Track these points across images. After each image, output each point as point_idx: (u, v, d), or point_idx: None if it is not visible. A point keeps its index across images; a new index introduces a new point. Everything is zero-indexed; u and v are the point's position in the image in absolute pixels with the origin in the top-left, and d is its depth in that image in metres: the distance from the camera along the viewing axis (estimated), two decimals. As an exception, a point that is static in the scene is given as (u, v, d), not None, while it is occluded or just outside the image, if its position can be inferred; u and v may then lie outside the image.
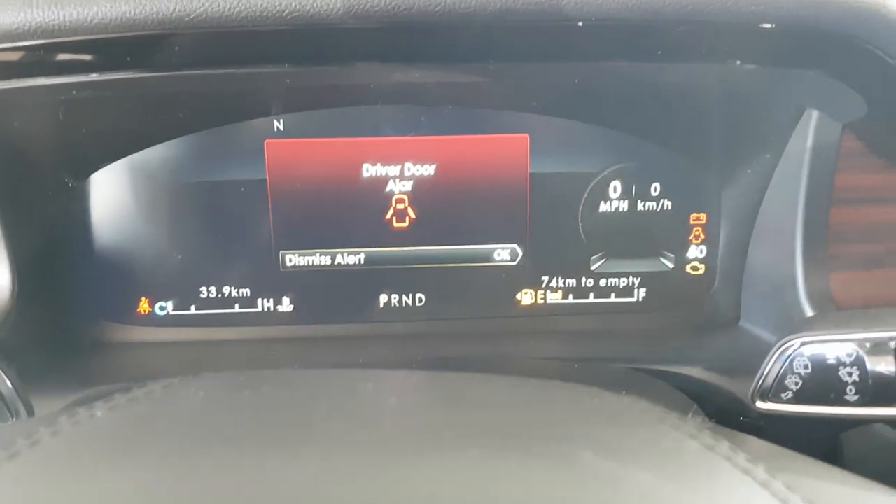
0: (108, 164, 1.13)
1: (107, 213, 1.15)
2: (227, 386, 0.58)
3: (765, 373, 0.80)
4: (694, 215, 1.21)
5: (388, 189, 1.17)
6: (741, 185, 1.16)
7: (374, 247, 1.19)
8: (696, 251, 1.22)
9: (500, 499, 0.41)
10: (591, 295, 1.23)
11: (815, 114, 1.00)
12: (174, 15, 0.74)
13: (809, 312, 1.04)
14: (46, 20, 0.75)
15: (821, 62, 0.87)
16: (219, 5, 0.74)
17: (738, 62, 0.84)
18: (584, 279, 1.22)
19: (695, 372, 1.01)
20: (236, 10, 0.75)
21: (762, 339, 1.14)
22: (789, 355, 0.78)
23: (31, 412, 0.84)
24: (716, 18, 0.78)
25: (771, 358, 0.80)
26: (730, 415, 0.93)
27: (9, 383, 0.83)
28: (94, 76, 0.82)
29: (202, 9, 0.74)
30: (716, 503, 0.43)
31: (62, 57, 0.80)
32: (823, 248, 1.05)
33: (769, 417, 0.82)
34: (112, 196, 1.15)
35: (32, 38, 0.76)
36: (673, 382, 1.01)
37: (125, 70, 0.82)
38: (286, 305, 1.20)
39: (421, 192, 1.17)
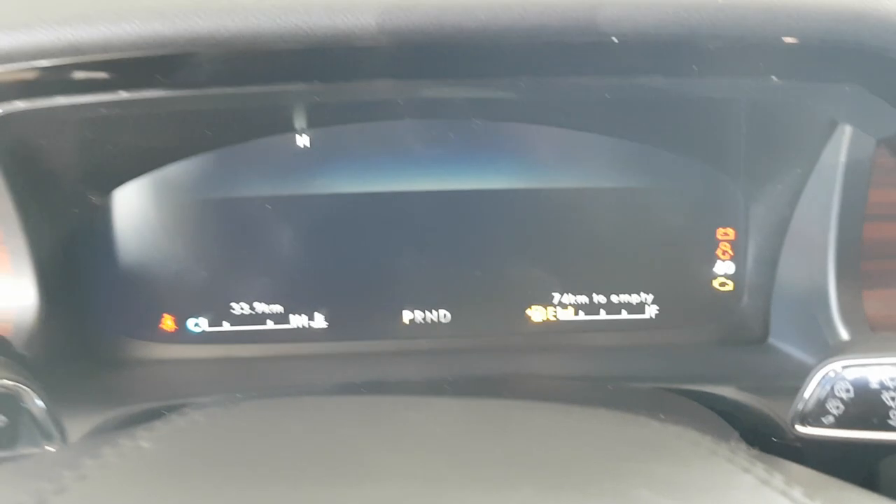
0: (131, 180, 1.13)
1: (130, 230, 1.15)
2: (272, 414, 0.57)
3: (805, 397, 0.78)
4: (721, 230, 1.19)
5: (413, 208, 1.16)
6: (770, 200, 1.14)
7: (400, 261, 1.18)
8: (723, 267, 1.21)
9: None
10: (603, 312, 1.22)
11: (848, 128, 0.99)
12: (207, 33, 0.73)
13: (842, 330, 1.02)
14: (77, 38, 0.74)
15: (856, 76, 0.86)
16: (252, 23, 0.74)
17: (774, 77, 0.83)
18: (594, 296, 1.21)
19: (727, 392, 0.99)
20: (269, 28, 0.74)
21: (793, 357, 1.12)
22: (831, 379, 0.76)
23: (62, 433, 0.83)
24: (752, 34, 0.76)
25: (811, 381, 0.79)
26: (765, 437, 0.91)
27: (40, 402, 0.82)
28: (123, 94, 0.81)
29: (235, 27, 0.73)
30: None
31: (92, 75, 0.79)
32: (856, 264, 1.03)
33: (808, 441, 0.80)
34: (136, 212, 1.14)
35: (62, 56, 0.75)
36: (704, 402, 1.00)
37: (154, 88, 0.81)
38: (320, 322, 1.19)
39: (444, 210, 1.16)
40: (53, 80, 0.80)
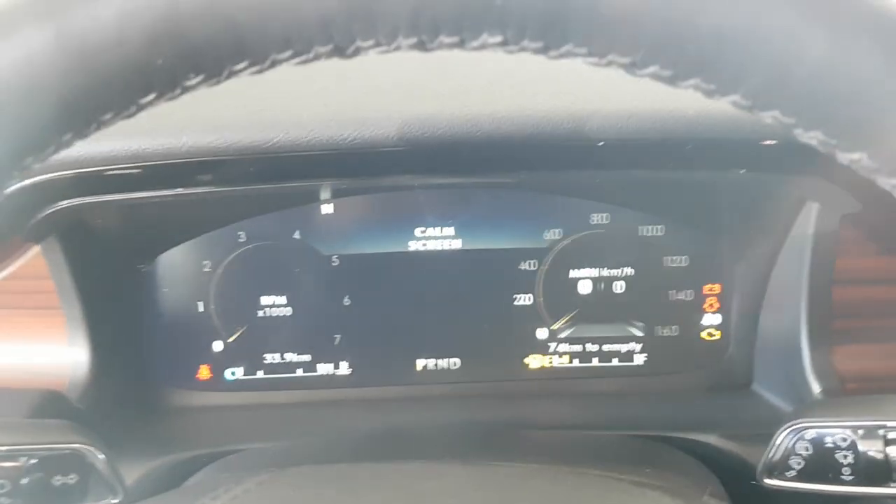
0: (171, 248, 1.26)
1: (170, 291, 1.27)
2: (316, 482, 0.69)
3: (773, 450, 0.90)
4: (708, 286, 1.31)
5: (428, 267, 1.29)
6: (751, 262, 1.25)
7: (415, 315, 1.31)
8: (711, 318, 1.32)
9: None
10: (595, 360, 1.33)
11: (815, 206, 1.10)
12: (253, 144, 0.87)
13: (813, 383, 1.13)
14: (142, 148, 0.88)
15: (812, 170, 0.98)
16: (292, 135, 0.87)
17: (742, 171, 0.95)
18: (588, 345, 1.32)
19: (711, 439, 1.11)
20: (306, 139, 0.87)
21: (772, 404, 1.23)
22: (793, 437, 0.88)
23: (123, 485, 0.95)
24: (718, 136, 0.89)
25: (778, 438, 0.90)
26: (741, 481, 1.03)
27: (102, 456, 0.94)
28: (178, 191, 0.95)
29: (278, 139, 0.86)
30: None
31: (152, 176, 0.92)
32: (827, 322, 1.14)
33: (774, 491, 0.91)
34: (174, 276, 1.27)
35: (128, 163, 0.89)
36: (688, 449, 1.11)
37: (203, 185, 0.95)
38: (344, 370, 1.32)
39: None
40: (117, 182, 0.93)
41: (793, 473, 0.87)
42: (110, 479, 0.92)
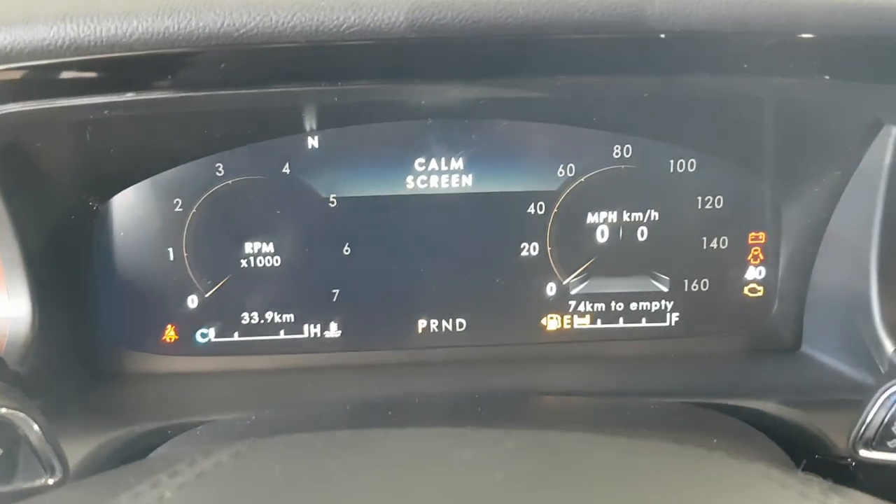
0: (133, 185, 1.07)
1: (132, 236, 1.09)
2: (305, 454, 0.52)
3: (867, 419, 0.74)
4: (752, 234, 1.14)
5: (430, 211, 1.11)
6: (805, 203, 1.09)
7: (417, 268, 1.13)
8: (753, 272, 1.16)
9: None
10: (621, 320, 1.17)
11: (894, 130, 0.93)
12: (222, 30, 0.67)
13: (886, 341, 0.97)
14: (81, 36, 0.68)
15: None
16: (271, 19, 0.68)
17: (827, 77, 0.77)
18: (612, 303, 1.16)
19: (767, 407, 0.95)
20: (290, 24, 0.68)
21: (829, 367, 1.08)
22: (894, 403, 0.71)
23: (62, 462, 0.77)
24: (811, 30, 0.71)
25: (873, 403, 0.74)
26: (810, 455, 0.87)
27: (37, 428, 0.76)
28: (129, 95, 0.75)
29: (253, 23, 0.67)
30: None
31: (96, 75, 0.73)
32: (902, 272, 0.98)
33: (868, 466, 0.75)
34: (138, 218, 1.08)
35: (65, 55, 0.69)
36: (741, 417, 0.95)
37: (163, 90, 0.75)
38: (334, 331, 1.14)
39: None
40: (55, 81, 0.73)
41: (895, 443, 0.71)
42: (46, 455, 0.74)
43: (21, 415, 0.75)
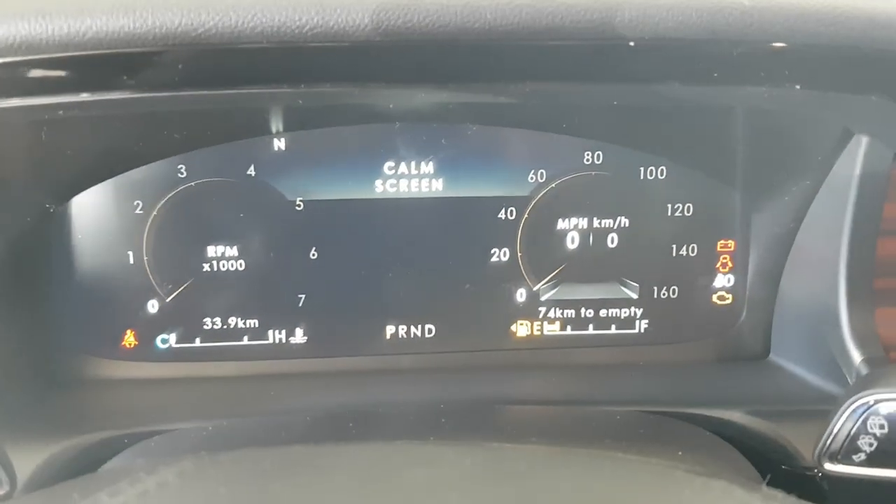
0: (91, 187, 1.04)
1: (90, 239, 1.06)
2: (254, 473, 0.49)
3: (833, 431, 0.73)
4: (722, 242, 1.14)
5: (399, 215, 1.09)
6: (775, 211, 1.09)
7: (384, 273, 1.11)
8: (722, 279, 1.15)
9: None
10: (591, 326, 1.16)
11: (864, 139, 0.93)
12: (180, 30, 0.65)
13: (853, 351, 0.97)
14: (33, 34, 0.66)
15: (882, 86, 0.80)
16: (230, 19, 0.66)
17: (797, 86, 0.77)
18: (582, 309, 1.15)
19: (734, 416, 0.94)
20: (250, 24, 0.66)
21: (796, 376, 1.07)
22: (861, 413, 0.71)
23: (11, 474, 0.74)
24: (781, 40, 0.71)
25: (840, 415, 0.73)
26: (776, 466, 0.86)
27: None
28: (84, 96, 0.72)
29: (212, 23, 0.65)
30: None
31: (50, 74, 0.70)
32: (869, 281, 0.98)
33: (834, 479, 0.74)
34: (96, 220, 1.05)
35: (16, 54, 0.66)
36: (708, 427, 0.94)
37: (119, 90, 0.73)
38: (299, 337, 1.11)
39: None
40: (6, 80, 0.70)
41: (861, 457, 0.71)
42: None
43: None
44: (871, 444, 0.71)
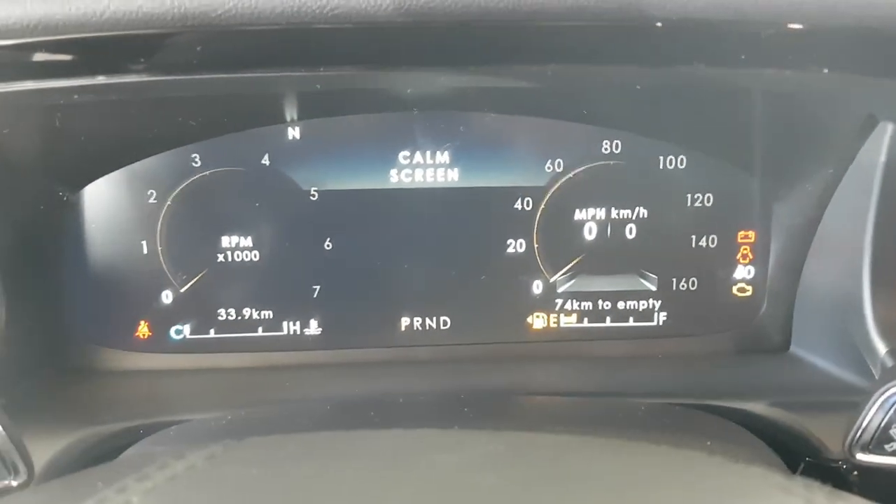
0: (105, 175, 1.03)
1: (104, 228, 1.05)
2: (282, 457, 0.48)
3: (864, 423, 0.72)
4: (742, 233, 1.12)
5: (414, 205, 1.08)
6: (796, 201, 1.07)
7: (400, 264, 1.10)
8: (742, 271, 1.14)
9: None
10: (608, 319, 1.14)
11: (890, 126, 0.92)
12: (199, 11, 0.64)
13: (878, 342, 0.95)
14: (50, 14, 0.64)
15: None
16: (250, 0, 0.64)
17: (826, 69, 0.75)
18: (600, 301, 1.13)
19: (757, 408, 0.92)
20: (270, 5, 0.65)
21: (818, 368, 1.06)
22: (893, 404, 0.69)
23: (28, 463, 0.73)
24: (809, 21, 0.69)
25: (870, 406, 0.72)
26: (802, 457, 0.85)
27: (0, 428, 0.72)
28: (100, 79, 0.71)
29: (231, 4, 0.64)
30: None
31: (65, 57, 0.69)
32: (894, 270, 0.96)
33: (864, 469, 0.73)
34: (110, 209, 1.05)
35: (32, 35, 0.65)
36: (730, 418, 0.93)
37: (135, 73, 0.71)
38: (314, 328, 1.10)
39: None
40: (21, 62, 0.69)
41: (894, 447, 0.69)
42: (10, 456, 0.70)
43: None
44: (903, 434, 0.69)
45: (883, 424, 0.70)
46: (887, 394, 0.71)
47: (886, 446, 0.70)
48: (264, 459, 0.47)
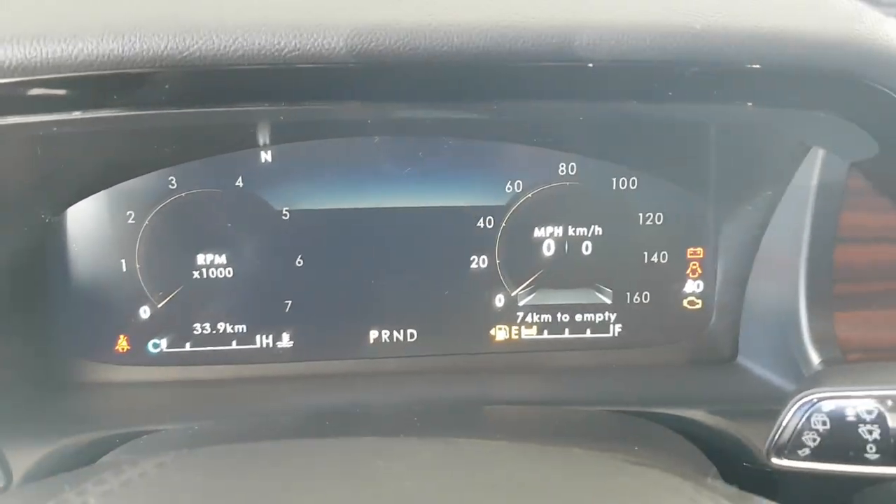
0: (85, 198, 1.09)
1: (84, 248, 1.10)
2: (227, 465, 0.54)
3: (781, 427, 0.77)
4: (691, 249, 1.19)
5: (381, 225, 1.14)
6: (741, 221, 1.14)
7: (368, 279, 1.16)
8: (692, 285, 1.20)
9: None
10: (566, 331, 1.20)
11: (820, 152, 0.98)
12: (166, 53, 0.70)
13: (812, 353, 1.02)
14: (27, 57, 0.70)
15: (828, 103, 0.85)
16: (214, 43, 0.70)
17: (749, 104, 0.82)
18: (559, 314, 1.19)
19: (697, 415, 0.98)
20: (232, 48, 0.70)
21: (761, 378, 1.12)
22: (806, 411, 0.75)
23: (7, 471, 0.78)
24: (731, 60, 0.75)
25: (787, 412, 0.78)
26: (737, 463, 0.91)
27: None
28: (76, 114, 0.77)
29: (196, 46, 0.70)
30: None
31: (43, 94, 0.75)
32: (828, 286, 1.03)
33: (782, 473, 0.79)
34: (90, 230, 1.10)
35: (11, 76, 0.71)
36: (674, 426, 0.99)
37: (110, 108, 0.77)
38: (286, 342, 1.16)
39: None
40: (2, 99, 0.75)
41: (806, 452, 0.75)
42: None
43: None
44: (814, 440, 0.75)
45: (797, 430, 0.76)
46: (803, 400, 0.77)
47: (800, 451, 0.76)
48: (208, 468, 0.52)
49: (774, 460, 0.78)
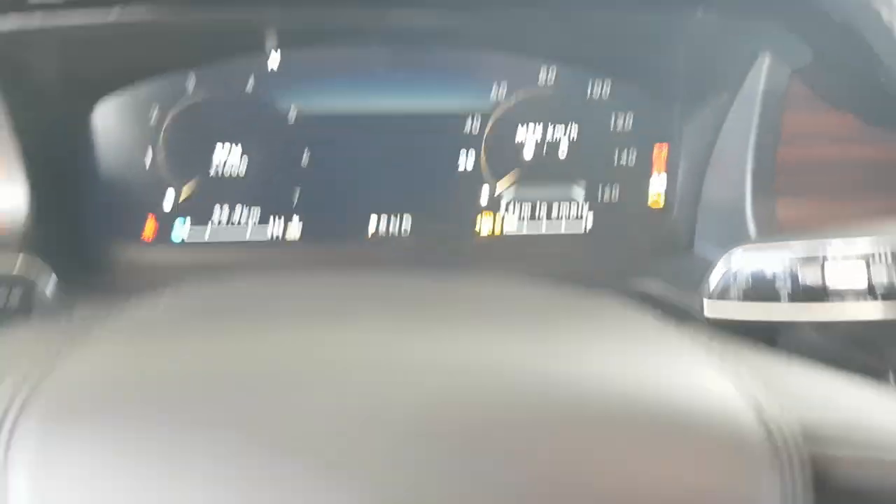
0: (114, 94, 1.21)
1: (113, 140, 1.23)
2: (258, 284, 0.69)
3: (712, 280, 0.93)
4: (657, 146, 1.32)
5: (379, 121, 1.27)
6: (700, 122, 1.26)
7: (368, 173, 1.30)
8: (657, 181, 1.34)
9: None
10: (544, 225, 1.35)
11: (767, 59, 1.11)
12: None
13: (753, 231, 1.16)
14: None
15: (772, 13, 0.97)
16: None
17: (699, 13, 0.94)
18: (537, 209, 1.34)
19: (651, 288, 1.14)
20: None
21: (713, 262, 1.27)
22: (731, 264, 0.91)
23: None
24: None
25: (717, 266, 0.93)
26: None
27: (51, 287, 0.91)
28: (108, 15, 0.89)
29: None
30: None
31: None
32: (771, 182, 1.17)
33: (714, 323, 0.95)
34: (118, 123, 1.22)
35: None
36: (634, 298, 1.14)
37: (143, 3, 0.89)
38: (295, 226, 1.30)
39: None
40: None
41: (733, 297, 0.91)
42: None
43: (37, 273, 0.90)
44: (738, 290, 0.91)
45: (723, 280, 0.92)
46: (728, 257, 0.92)
47: (728, 298, 0.92)
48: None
49: (706, 300, 0.93)
